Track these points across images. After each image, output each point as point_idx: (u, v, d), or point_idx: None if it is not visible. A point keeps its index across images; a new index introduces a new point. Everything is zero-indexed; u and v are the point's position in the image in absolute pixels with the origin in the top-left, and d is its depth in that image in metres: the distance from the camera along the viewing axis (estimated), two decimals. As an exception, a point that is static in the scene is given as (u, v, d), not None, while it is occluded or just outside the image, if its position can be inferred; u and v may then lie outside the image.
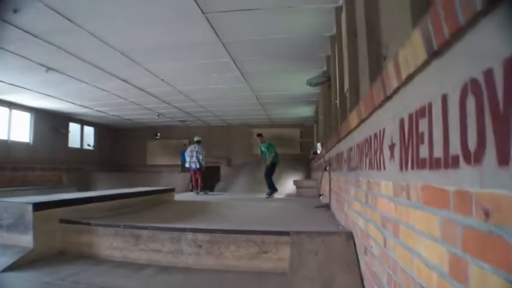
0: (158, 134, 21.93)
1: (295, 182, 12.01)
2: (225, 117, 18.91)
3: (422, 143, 1.50)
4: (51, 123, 17.24)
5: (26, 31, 7.38)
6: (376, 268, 2.37)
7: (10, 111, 15.06)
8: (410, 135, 1.67)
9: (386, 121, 2.12)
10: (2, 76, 10.94)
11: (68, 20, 6.95)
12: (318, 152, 11.83)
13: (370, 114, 2.53)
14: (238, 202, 7.97)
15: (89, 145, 20.87)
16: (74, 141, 19.55)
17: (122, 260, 3.99)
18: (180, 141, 21.53)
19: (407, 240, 1.69)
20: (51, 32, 7.52)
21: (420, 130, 1.54)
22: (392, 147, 1.98)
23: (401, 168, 1.80)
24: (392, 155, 1.98)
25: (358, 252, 3.07)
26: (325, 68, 9.45)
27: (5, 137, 14.95)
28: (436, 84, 1.38)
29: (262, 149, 11.28)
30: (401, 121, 1.81)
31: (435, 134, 1.38)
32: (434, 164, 1.37)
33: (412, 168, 1.62)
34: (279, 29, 7.50)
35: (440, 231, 1.30)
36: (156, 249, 3.88)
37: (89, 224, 4.34)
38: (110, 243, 4.14)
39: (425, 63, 1.47)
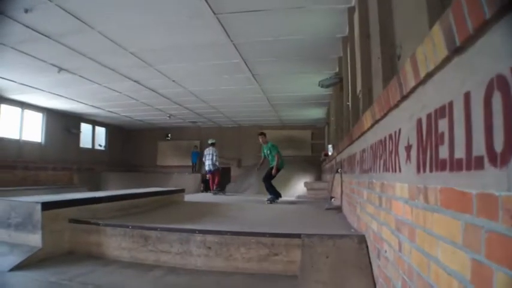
0: (169, 135, 22.02)
1: (306, 184, 11.93)
2: (235, 118, 18.90)
3: (442, 143, 1.43)
4: (63, 124, 17.41)
5: (37, 31, 7.43)
6: (389, 273, 2.31)
7: (22, 111, 15.19)
8: (429, 136, 1.60)
9: (403, 121, 2.05)
10: (14, 76, 11.05)
11: (80, 20, 6.98)
12: (329, 153, 11.73)
13: (385, 114, 2.46)
14: (248, 204, 7.92)
15: (100, 145, 21.03)
16: (85, 141, 19.74)
17: (130, 260, 3.96)
18: (191, 142, 21.59)
19: (424, 244, 1.62)
20: (63, 32, 7.56)
21: (440, 130, 1.47)
22: (408, 148, 1.92)
23: (418, 170, 1.74)
24: (408, 157, 1.92)
25: (371, 256, 3.00)
26: (337, 70, 9.38)
27: (17, 137, 15.08)
28: (458, 82, 1.32)
29: (265, 150, 10.04)
30: (419, 121, 1.75)
31: (456, 134, 1.31)
32: (456, 165, 1.30)
33: (431, 170, 1.56)
34: (290, 30, 7.45)
35: (461, 236, 1.24)
36: (165, 250, 3.84)
37: (97, 224, 4.32)
38: (118, 243, 4.12)
39: (446, 60, 1.41)
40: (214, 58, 9.14)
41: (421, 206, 1.68)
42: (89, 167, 19.20)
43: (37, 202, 4.12)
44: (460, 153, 1.27)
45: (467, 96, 1.24)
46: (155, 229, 4.00)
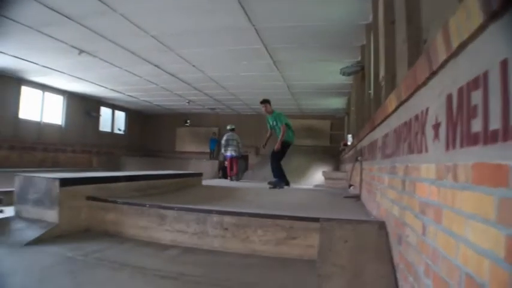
0: (188, 121, 22.12)
1: (324, 173, 11.82)
2: (254, 105, 18.81)
3: (475, 116, 1.35)
4: (83, 107, 17.69)
5: (60, 13, 7.48)
6: (411, 258, 2.24)
7: (43, 93, 15.42)
8: (460, 111, 1.52)
9: (431, 100, 1.97)
10: (35, 58, 11.20)
11: (102, 2, 6.99)
12: (349, 143, 11.60)
13: (411, 94, 2.38)
14: (265, 190, 7.88)
15: (119, 129, 21.27)
16: (105, 125, 20.00)
17: (147, 239, 3.98)
18: (209, 129, 21.67)
19: (452, 225, 1.55)
20: (85, 14, 7.62)
21: (473, 103, 1.39)
22: (437, 126, 1.84)
23: (447, 148, 1.66)
24: (436, 135, 1.84)
25: (391, 242, 2.93)
26: (359, 58, 9.23)
27: (37, 119, 15.32)
28: (494, 50, 1.23)
29: (271, 121, 8.70)
30: (449, 97, 1.67)
31: (492, 104, 1.23)
32: (490, 137, 1.23)
33: (462, 145, 1.48)
34: (313, 16, 7.36)
35: (494, 212, 1.16)
36: (181, 230, 3.84)
37: (115, 202, 4.35)
38: (135, 222, 4.13)
39: (481, 28, 1.32)
40: (235, 43, 9.09)
41: (449, 185, 1.61)
42: (108, 151, 19.48)
43: (55, 178, 4.14)
44: (495, 124, 1.19)
45: (504, 64, 1.16)
46: (172, 208, 4.00)
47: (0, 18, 7.76)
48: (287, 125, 8.39)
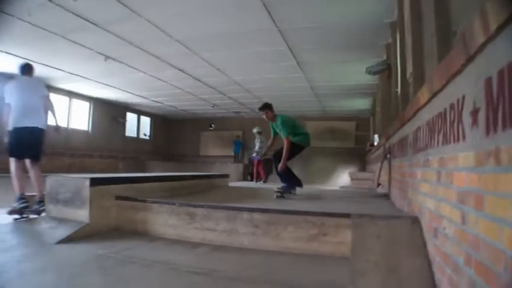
0: (212, 125, 22.25)
1: (350, 174, 11.72)
2: (279, 108, 18.73)
3: (519, 97, 1.32)
4: (109, 113, 18.07)
5: (86, 19, 7.65)
6: (449, 249, 2.20)
7: (70, 100, 15.77)
8: (501, 93, 1.49)
9: (467, 87, 1.94)
10: (62, 65, 11.45)
11: (127, 8, 7.12)
12: (375, 143, 11.48)
13: (445, 84, 2.34)
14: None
15: (145, 135, 21.58)
16: (130, 130, 20.28)
17: (176, 237, 4.01)
18: (233, 132, 21.74)
19: (496, 210, 1.51)
20: (111, 20, 7.78)
21: (516, 83, 1.36)
22: (475, 112, 1.80)
23: (487, 133, 1.63)
24: (475, 121, 1.80)
25: (426, 236, 2.88)
26: (384, 57, 9.11)
27: (65, 125, 15.69)
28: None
29: (276, 129, 7.11)
30: (488, 81, 1.63)
31: (538, 82, 1.20)
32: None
33: (504, 128, 1.45)
34: (337, 16, 7.35)
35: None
36: (211, 228, 3.86)
37: (144, 201, 4.41)
38: (164, 220, 4.17)
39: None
40: (259, 45, 9.12)
41: (491, 170, 1.57)
42: (134, 156, 19.77)
43: (85, 178, 4.24)
44: (543, 100, 1.16)
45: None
46: (202, 206, 4.02)
47: (28, 26, 7.97)
48: (295, 133, 6.85)
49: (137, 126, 21.15)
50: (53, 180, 4.60)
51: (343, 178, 16.13)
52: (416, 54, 5.09)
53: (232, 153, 21.21)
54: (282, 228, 3.56)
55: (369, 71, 9.31)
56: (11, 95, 5.86)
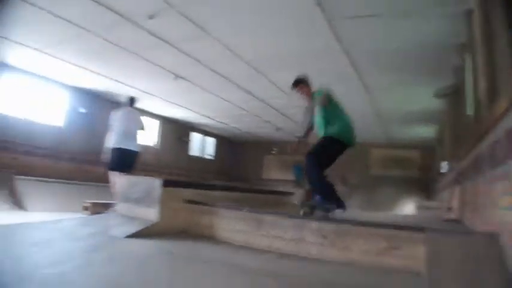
0: (274, 149, 22.42)
1: (416, 202, 11.31)
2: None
3: None
4: (175, 131, 18.81)
5: (159, 38, 8.09)
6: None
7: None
8: None
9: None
10: (134, 82, 12.11)
11: (199, 27, 7.46)
12: (443, 171, 11.05)
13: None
14: (356, 213, 7.67)
15: (209, 155, 22.26)
16: (194, 150, 20.97)
17: (242, 243, 4.02)
18: (294, 157, 21.71)
19: None
20: (182, 38, 8.18)
21: None
22: None
23: None
24: None
25: (507, 251, 2.74)
26: (453, 80, 8.87)
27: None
28: None
29: (316, 110, 5.07)
30: None
31: None
32: None
33: None
34: (403, 37, 7.29)
35: None
36: (278, 235, 3.85)
37: (213, 206, 4.51)
38: (231, 226, 4.22)
39: None
40: (323, 66, 9.10)
41: None
42: (199, 175, 20.27)
43: (158, 179, 4.46)
44: None
45: None
46: (270, 213, 4.06)
47: (103, 43, 8.54)
48: (335, 115, 5.01)
49: (201, 146, 22.00)
50: (126, 180, 4.88)
51: (407, 207, 15.60)
52: (488, 72, 4.94)
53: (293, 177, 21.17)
54: (350, 240, 3.49)
55: (437, 94, 9.07)
56: (116, 120, 7.78)
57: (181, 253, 3.50)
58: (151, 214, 4.26)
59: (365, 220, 3.70)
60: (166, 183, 4.38)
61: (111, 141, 7.61)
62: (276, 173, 22.66)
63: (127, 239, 3.73)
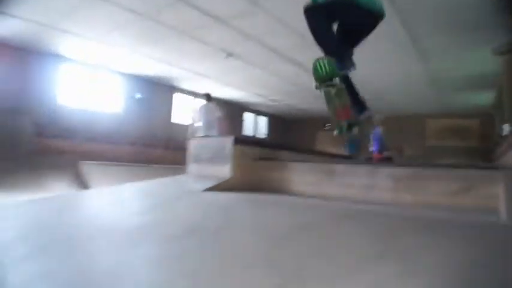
0: (327, 125, 22.33)
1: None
2: (395, 106, 17.87)
3: None
4: (228, 112, 19.20)
5: (209, 15, 8.20)
6: None
7: (194, 99, 17.24)
8: None
9: None
10: (185, 63, 12.44)
11: (252, 2, 7.50)
12: (505, 134, 10.63)
13: None
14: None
15: (262, 134, 22.70)
16: (247, 129, 21.63)
17: (313, 194, 4.05)
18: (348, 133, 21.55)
19: None
20: (232, 15, 8.24)
21: None
22: None
23: None
24: None
25: None
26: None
27: (186, 123, 17.06)
28: None
29: None
30: None
31: None
32: None
33: None
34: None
35: None
36: (350, 183, 3.88)
37: (283, 160, 4.64)
38: (302, 178, 4.25)
39: None
40: (376, 31, 8.91)
41: None
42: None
43: (229, 137, 4.60)
44: None
45: None
46: (342, 163, 4.11)
47: (154, 26, 8.76)
48: None
49: (254, 125, 22.68)
50: (196, 141, 5.08)
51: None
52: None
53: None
54: (423, 183, 3.49)
55: (496, 51, 8.68)
56: (201, 114, 10.49)
57: (258, 200, 3.69)
58: (223, 171, 4.41)
59: (436, 163, 3.67)
60: (237, 141, 4.51)
61: (199, 132, 10.07)
62: (330, 148, 22.61)
63: (204, 192, 3.92)
